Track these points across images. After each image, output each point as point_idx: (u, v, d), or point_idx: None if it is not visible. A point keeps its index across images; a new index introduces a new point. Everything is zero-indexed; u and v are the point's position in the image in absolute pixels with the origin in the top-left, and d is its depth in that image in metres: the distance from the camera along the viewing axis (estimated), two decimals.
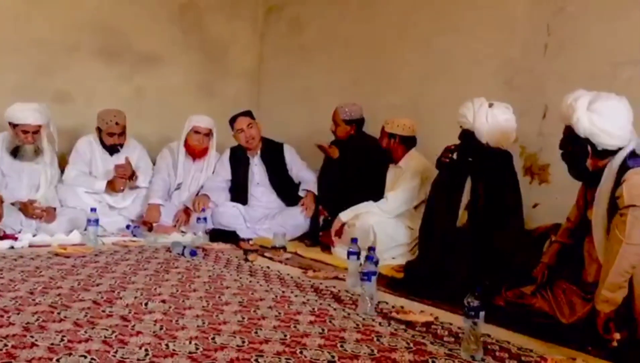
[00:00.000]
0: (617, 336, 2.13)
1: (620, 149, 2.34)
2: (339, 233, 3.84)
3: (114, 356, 1.85)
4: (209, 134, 4.65)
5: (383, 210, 3.75)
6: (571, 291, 2.43)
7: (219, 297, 2.68)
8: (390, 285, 3.07)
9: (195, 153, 4.64)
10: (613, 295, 2.17)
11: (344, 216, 3.85)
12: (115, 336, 2.05)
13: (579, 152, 2.42)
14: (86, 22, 5.12)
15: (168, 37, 5.55)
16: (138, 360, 1.83)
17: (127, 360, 1.82)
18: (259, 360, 1.88)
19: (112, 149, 4.56)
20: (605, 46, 3.27)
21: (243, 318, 2.36)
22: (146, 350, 1.92)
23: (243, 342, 2.06)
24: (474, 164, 3.10)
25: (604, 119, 2.30)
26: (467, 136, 3.11)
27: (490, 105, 3.06)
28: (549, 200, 3.49)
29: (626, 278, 2.16)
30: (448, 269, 2.92)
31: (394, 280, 3.14)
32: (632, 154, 2.33)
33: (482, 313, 2.00)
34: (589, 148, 2.38)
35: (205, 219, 4.21)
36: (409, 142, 3.88)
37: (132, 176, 4.47)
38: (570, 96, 2.43)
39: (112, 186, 4.43)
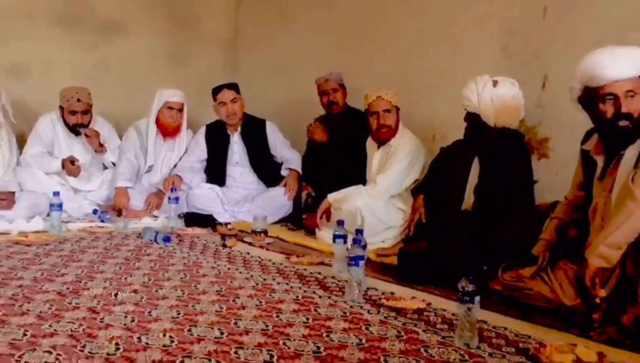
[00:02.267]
0: (603, 293, 2.20)
1: None
2: (327, 214, 3.85)
3: (82, 351, 1.86)
4: (182, 109, 4.63)
5: (372, 195, 3.76)
6: (574, 271, 2.47)
7: (195, 286, 2.69)
8: (381, 270, 3.10)
9: (169, 131, 4.62)
10: (610, 253, 2.21)
11: (331, 197, 3.86)
12: (83, 330, 2.05)
13: None
14: None
15: (134, 2, 5.48)
16: (108, 354, 1.84)
17: (96, 355, 1.83)
18: (239, 353, 1.90)
19: (76, 130, 4.52)
20: (611, 10, 3.29)
21: (221, 308, 2.38)
22: (117, 344, 1.93)
23: (221, 333, 2.08)
24: (483, 146, 3.13)
25: None
26: (473, 118, 3.15)
27: (495, 83, 3.09)
28: (549, 176, 3.52)
29: (630, 241, 2.20)
30: (449, 253, 2.95)
31: (386, 266, 3.17)
32: None
33: (477, 299, 2.03)
34: None
35: (176, 199, 4.20)
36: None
37: (101, 147, 4.47)
38: None
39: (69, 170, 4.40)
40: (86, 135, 4.49)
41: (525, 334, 2.18)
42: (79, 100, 4.43)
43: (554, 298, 2.41)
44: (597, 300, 2.21)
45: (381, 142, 3.90)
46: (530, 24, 3.68)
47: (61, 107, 4.50)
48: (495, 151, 3.06)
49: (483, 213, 3.03)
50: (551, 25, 3.57)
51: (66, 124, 4.53)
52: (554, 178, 3.48)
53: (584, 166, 2.62)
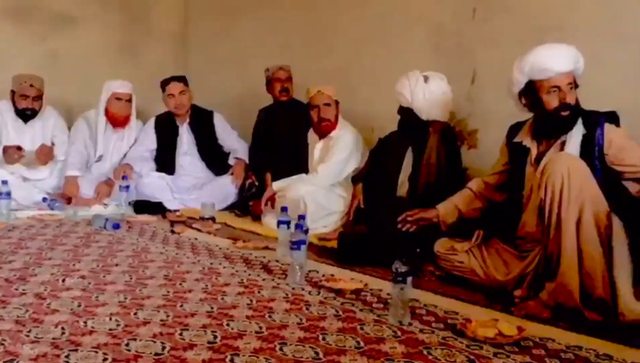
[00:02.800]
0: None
1: None
2: (272, 202, 3.83)
3: (27, 336, 1.79)
4: (130, 99, 4.50)
5: (314, 183, 3.76)
6: (504, 250, 2.55)
7: (143, 271, 2.63)
8: (322, 253, 3.10)
9: (118, 121, 4.49)
10: None
11: (276, 185, 3.85)
12: (29, 315, 1.98)
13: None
14: None
15: None
16: (54, 339, 1.78)
17: (41, 340, 1.77)
18: (184, 334, 1.87)
19: (25, 115, 4.35)
20: (532, 11, 3.36)
21: (168, 292, 2.33)
22: (62, 328, 1.86)
23: (167, 316, 2.03)
24: (414, 137, 3.17)
25: None
26: (406, 112, 3.19)
27: (426, 78, 3.15)
28: (478, 165, 3.59)
29: None
30: (385, 237, 2.98)
31: (326, 249, 3.17)
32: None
33: (409, 279, 2.05)
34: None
35: (127, 188, 4.09)
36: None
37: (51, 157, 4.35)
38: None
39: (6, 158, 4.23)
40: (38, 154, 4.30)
41: (453, 311, 2.22)
42: (31, 85, 4.28)
43: (482, 275, 2.47)
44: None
45: (322, 134, 3.90)
46: (460, 23, 3.72)
47: (12, 92, 4.32)
48: (426, 141, 3.10)
49: (416, 199, 3.07)
50: (479, 24, 3.62)
51: (16, 109, 4.34)
52: (482, 167, 3.54)
53: (513, 157, 2.67)
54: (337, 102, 3.83)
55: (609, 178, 2.31)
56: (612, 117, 2.44)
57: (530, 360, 1.78)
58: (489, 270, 2.49)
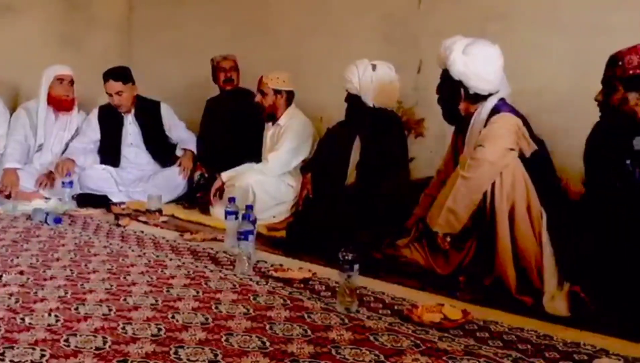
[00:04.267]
0: (447, 244, 2.39)
1: (490, 95, 2.48)
2: (220, 192, 3.78)
3: None
4: (72, 82, 4.35)
5: (264, 173, 3.73)
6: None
7: (86, 265, 2.56)
8: (271, 243, 3.08)
9: (63, 104, 4.33)
10: (445, 223, 2.40)
11: (225, 175, 3.80)
12: None
13: (453, 95, 2.56)
14: None
15: None
16: None
17: None
18: (127, 328, 1.82)
19: None
20: (476, 1, 3.42)
21: (111, 286, 2.27)
22: None
23: (110, 310, 1.98)
24: (362, 125, 3.18)
25: (476, 63, 2.45)
26: (354, 99, 3.20)
27: (374, 67, 3.16)
28: (425, 153, 3.63)
29: (459, 217, 2.37)
30: (334, 225, 2.97)
31: (275, 239, 3.15)
32: (502, 101, 2.48)
33: (356, 267, 2.05)
34: (462, 91, 2.50)
35: (71, 183, 3.96)
36: (291, 97, 3.87)
37: None
38: (447, 40, 2.57)
39: None
40: None
41: (400, 297, 2.24)
42: None
43: (425, 265, 2.50)
44: (447, 246, 2.44)
45: (272, 121, 3.87)
46: (407, 13, 3.75)
47: None
48: (374, 129, 3.12)
49: (364, 187, 3.08)
50: (425, 14, 3.66)
51: None
52: (429, 155, 3.59)
53: (454, 144, 2.72)
54: (281, 92, 3.80)
55: (537, 175, 2.37)
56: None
57: (475, 342, 1.81)
58: (429, 261, 2.51)
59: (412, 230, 2.64)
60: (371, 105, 3.17)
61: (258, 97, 3.83)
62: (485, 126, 2.43)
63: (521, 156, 2.38)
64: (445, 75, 2.55)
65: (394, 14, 3.83)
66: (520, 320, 2.01)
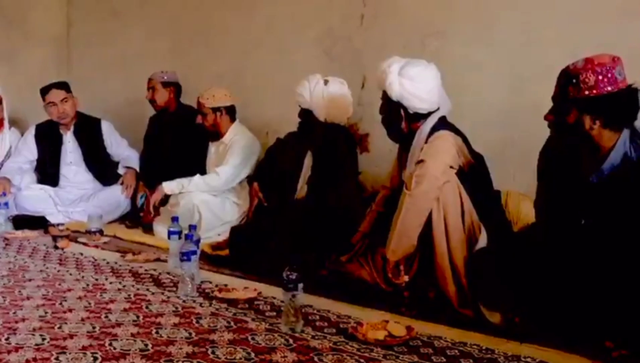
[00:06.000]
0: (405, 278, 2.35)
1: (431, 113, 2.51)
2: (158, 203, 3.73)
3: None
4: (1, 101, 4.19)
5: (213, 186, 3.68)
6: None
7: (19, 292, 2.45)
8: (214, 261, 3.02)
9: None
10: (399, 245, 2.36)
11: (167, 188, 3.71)
12: None
13: (394, 115, 2.57)
14: None
15: None
16: None
17: None
18: (60, 358, 1.74)
19: None
20: (415, 18, 3.48)
21: (46, 313, 2.17)
22: None
23: (43, 339, 1.89)
24: (314, 139, 3.17)
25: (412, 83, 2.46)
26: (306, 113, 3.21)
27: (326, 82, 3.18)
28: (370, 168, 3.65)
29: (410, 235, 2.35)
30: (276, 242, 2.95)
31: (217, 258, 3.09)
32: (442, 120, 2.51)
33: (300, 285, 2.03)
34: (402, 111, 2.52)
35: (6, 204, 3.81)
36: (232, 112, 3.83)
37: None
38: (384, 63, 2.57)
39: None
40: None
41: (346, 314, 2.23)
42: None
43: (370, 280, 2.49)
44: (402, 285, 2.35)
45: (217, 139, 3.83)
46: (349, 29, 3.78)
47: None
48: (326, 144, 3.12)
49: (314, 202, 3.07)
50: (367, 30, 3.69)
51: None
52: (374, 170, 3.61)
53: (399, 159, 2.74)
54: (220, 108, 3.74)
55: (475, 190, 2.40)
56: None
57: (419, 359, 1.82)
58: (374, 276, 2.51)
59: (357, 245, 2.64)
60: (323, 119, 3.17)
61: (199, 119, 3.78)
62: (426, 143, 2.45)
63: (460, 170, 2.42)
64: (385, 96, 2.57)
65: (335, 29, 3.85)
66: (463, 334, 2.03)
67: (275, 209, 3.29)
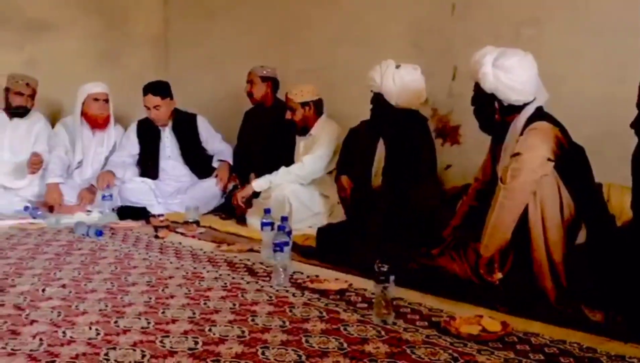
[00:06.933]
0: (499, 275, 2.29)
1: (526, 105, 2.42)
2: (247, 200, 3.85)
3: (4, 349, 1.75)
4: (107, 100, 4.46)
5: (299, 175, 3.75)
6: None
7: (125, 278, 2.59)
8: (304, 253, 3.07)
9: (98, 122, 4.44)
10: (493, 240, 2.31)
11: (257, 186, 3.82)
12: (7, 327, 1.94)
13: (487, 108, 2.50)
14: None
15: (63, 1, 5.22)
16: (31, 350, 1.74)
17: (17, 352, 1.73)
18: (164, 341, 1.83)
19: (16, 113, 4.42)
20: (508, 5, 3.37)
21: (150, 298, 2.29)
22: (40, 339, 1.83)
23: (148, 323, 2.00)
24: (386, 125, 3.15)
25: (507, 75, 2.38)
26: (377, 98, 3.17)
27: (397, 66, 3.13)
28: (461, 161, 3.58)
29: (504, 230, 2.28)
30: (363, 233, 2.96)
31: (306, 249, 3.14)
32: (539, 110, 2.42)
33: (392, 278, 2.03)
34: (496, 103, 2.45)
35: (111, 196, 4.06)
36: (320, 106, 3.88)
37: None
38: (477, 53, 2.50)
39: None
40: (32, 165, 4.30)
41: (438, 308, 2.20)
42: (27, 84, 4.43)
43: (462, 274, 2.45)
44: (496, 282, 2.30)
45: (299, 132, 3.91)
46: (439, 20, 3.71)
47: (7, 89, 4.44)
48: (398, 129, 3.09)
49: (391, 191, 3.05)
50: (458, 20, 3.61)
51: (7, 106, 4.44)
52: (466, 163, 3.53)
53: (492, 152, 2.67)
54: (305, 104, 3.81)
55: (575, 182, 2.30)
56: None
57: (514, 355, 1.77)
58: (467, 271, 2.46)
59: (448, 239, 2.60)
60: (394, 103, 3.14)
61: (288, 115, 3.86)
62: (521, 135, 2.37)
63: (559, 163, 2.32)
64: (478, 88, 2.50)
65: (424, 21, 3.79)
66: (562, 331, 1.96)
67: (359, 201, 3.27)
